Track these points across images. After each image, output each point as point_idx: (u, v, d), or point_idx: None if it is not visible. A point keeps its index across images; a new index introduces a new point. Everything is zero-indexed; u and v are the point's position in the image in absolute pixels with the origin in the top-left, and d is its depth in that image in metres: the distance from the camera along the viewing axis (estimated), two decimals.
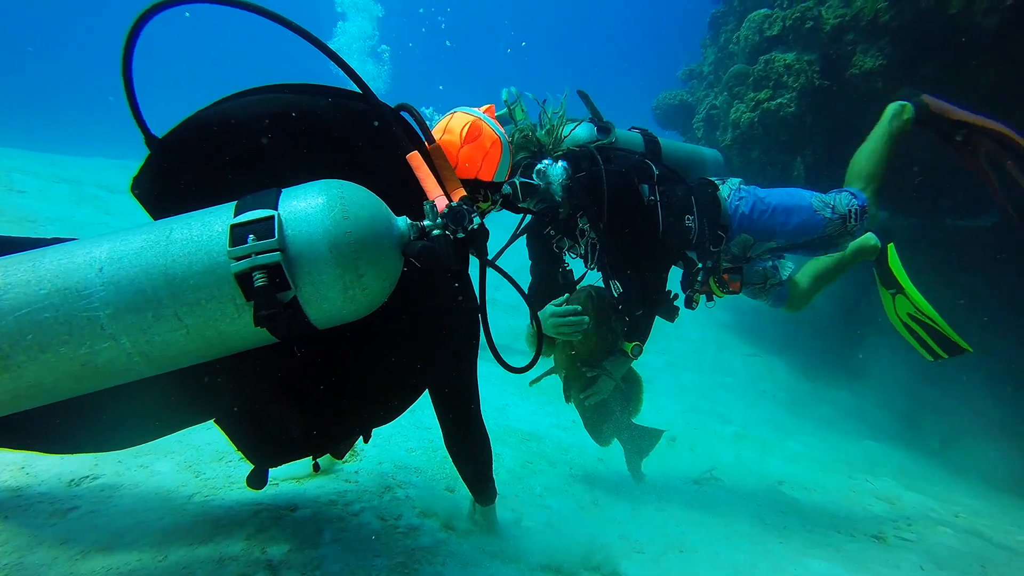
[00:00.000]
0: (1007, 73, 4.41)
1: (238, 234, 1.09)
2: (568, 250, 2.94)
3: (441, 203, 1.34)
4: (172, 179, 1.35)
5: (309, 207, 1.14)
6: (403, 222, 1.27)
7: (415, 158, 1.43)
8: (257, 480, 1.59)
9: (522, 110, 2.41)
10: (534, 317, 1.87)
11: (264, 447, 1.53)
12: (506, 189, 1.81)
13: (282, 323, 1.11)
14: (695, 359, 7.08)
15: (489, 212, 1.83)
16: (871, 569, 2.51)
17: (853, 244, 3.18)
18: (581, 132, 2.78)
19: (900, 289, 3.19)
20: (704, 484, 3.27)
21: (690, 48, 10.77)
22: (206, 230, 1.11)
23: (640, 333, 2.77)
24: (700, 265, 2.92)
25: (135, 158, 1.35)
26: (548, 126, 2.56)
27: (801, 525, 2.89)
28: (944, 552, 2.77)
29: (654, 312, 2.83)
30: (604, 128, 2.85)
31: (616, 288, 2.72)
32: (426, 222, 1.30)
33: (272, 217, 1.10)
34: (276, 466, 1.65)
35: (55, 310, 1.03)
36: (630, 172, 2.72)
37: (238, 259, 1.07)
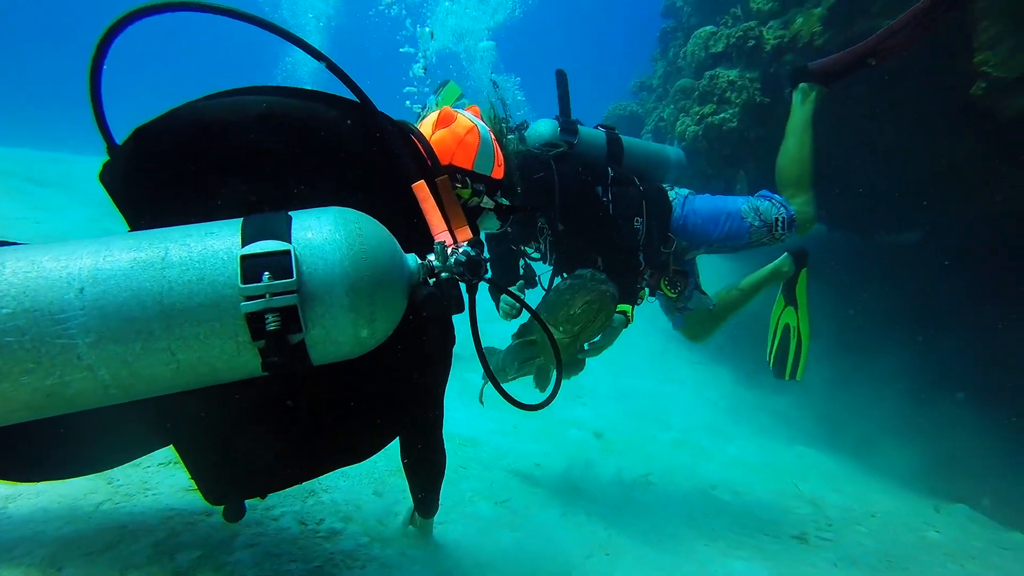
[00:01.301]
0: (936, 100, 4.68)
1: (250, 269, 0.99)
2: (526, 246, 2.96)
3: (448, 241, 1.30)
4: (149, 176, 1.23)
5: (326, 242, 1.05)
6: (413, 261, 1.22)
7: (421, 188, 1.37)
8: (234, 513, 1.43)
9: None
10: (549, 336, 1.80)
11: (228, 475, 1.39)
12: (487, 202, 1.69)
13: (288, 367, 1.04)
14: (641, 366, 7.20)
15: (474, 202, 1.74)
16: (790, 567, 2.62)
17: (770, 266, 3.45)
18: (544, 128, 2.79)
19: (795, 308, 3.54)
20: (638, 488, 3.34)
21: (641, 61, 11.03)
22: (209, 256, 1.00)
23: (627, 296, 2.76)
24: (643, 265, 3.01)
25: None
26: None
27: (728, 527, 2.97)
28: (858, 550, 2.91)
29: (636, 275, 2.87)
30: (568, 128, 2.83)
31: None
32: (434, 261, 1.25)
33: (288, 252, 1.01)
34: (237, 501, 1.47)
35: (20, 334, 0.89)
36: (584, 173, 2.77)
37: (250, 298, 0.98)
